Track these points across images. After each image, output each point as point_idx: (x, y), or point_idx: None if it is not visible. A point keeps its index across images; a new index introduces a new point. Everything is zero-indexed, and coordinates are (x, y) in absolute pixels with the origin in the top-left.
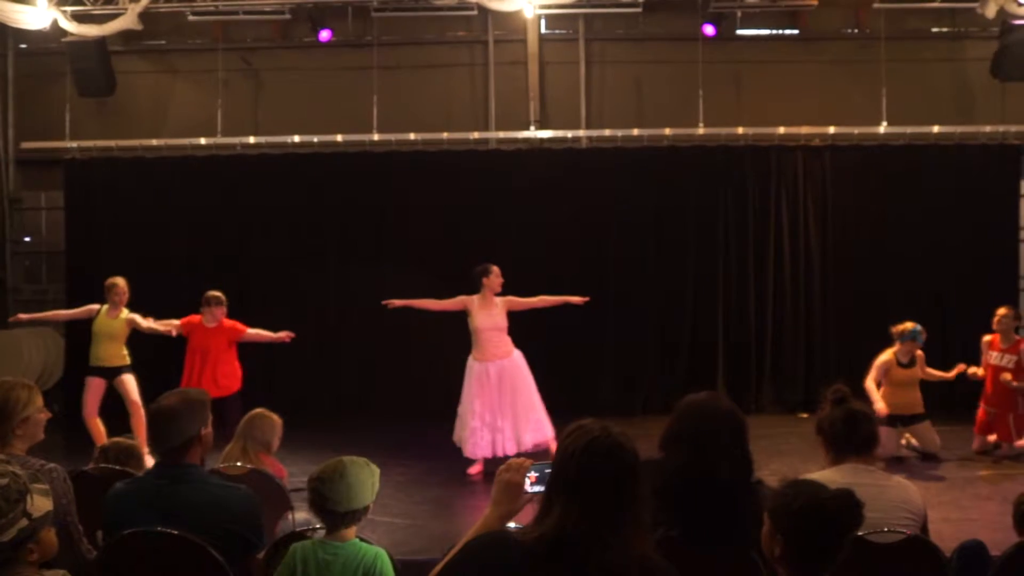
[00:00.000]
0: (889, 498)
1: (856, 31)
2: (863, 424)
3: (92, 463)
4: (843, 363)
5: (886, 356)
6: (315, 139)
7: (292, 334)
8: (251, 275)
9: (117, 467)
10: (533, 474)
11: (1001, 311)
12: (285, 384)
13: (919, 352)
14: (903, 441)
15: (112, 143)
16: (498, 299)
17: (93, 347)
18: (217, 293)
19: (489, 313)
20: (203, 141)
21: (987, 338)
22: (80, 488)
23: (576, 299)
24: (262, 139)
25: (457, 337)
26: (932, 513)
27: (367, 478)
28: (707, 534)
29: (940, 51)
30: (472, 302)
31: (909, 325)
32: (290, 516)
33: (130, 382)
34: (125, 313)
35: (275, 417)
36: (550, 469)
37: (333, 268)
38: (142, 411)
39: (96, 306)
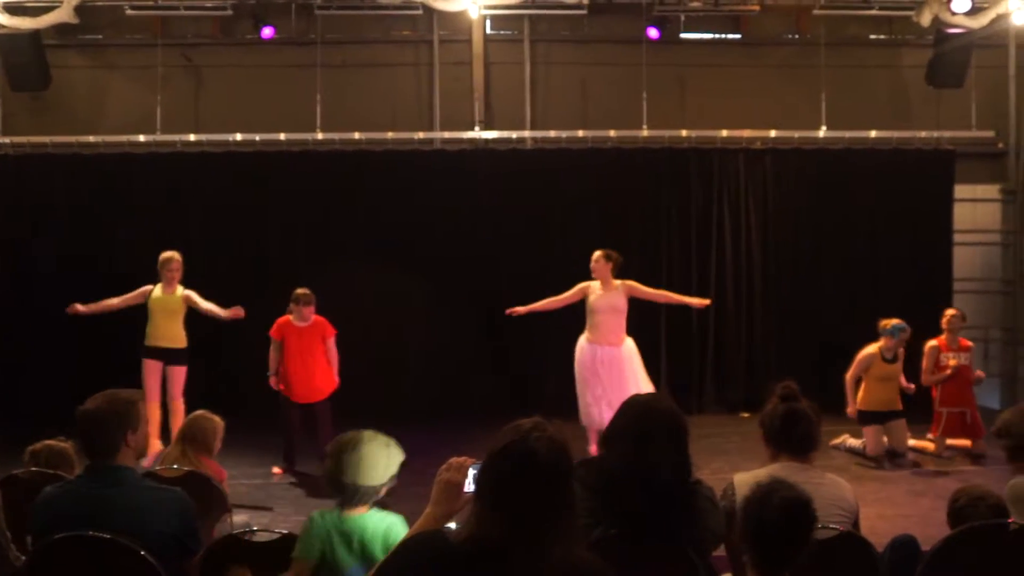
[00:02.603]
0: (822, 496)
1: (797, 37)
2: (801, 424)
3: (23, 467)
4: (784, 363)
5: (870, 350)
6: (257, 138)
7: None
8: (190, 275)
9: (48, 471)
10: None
11: (952, 312)
12: (231, 380)
13: (901, 351)
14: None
15: (47, 139)
16: (619, 282)
17: (149, 326)
18: (305, 290)
19: (607, 294)
20: (142, 138)
21: (933, 343)
22: (10, 492)
23: (696, 302)
24: (203, 137)
25: (396, 332)
26: (866, 509)
27: (382, 457)
28: (645, 533)
29: (878, 57)
30: (590, 287)
31: (893, 321)
32: (228, 519)
33: (179, 377)
34: (181, 290)
35: (216, 419)
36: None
37: (275, 268)
38: (182, 409)
39: (148, 287)
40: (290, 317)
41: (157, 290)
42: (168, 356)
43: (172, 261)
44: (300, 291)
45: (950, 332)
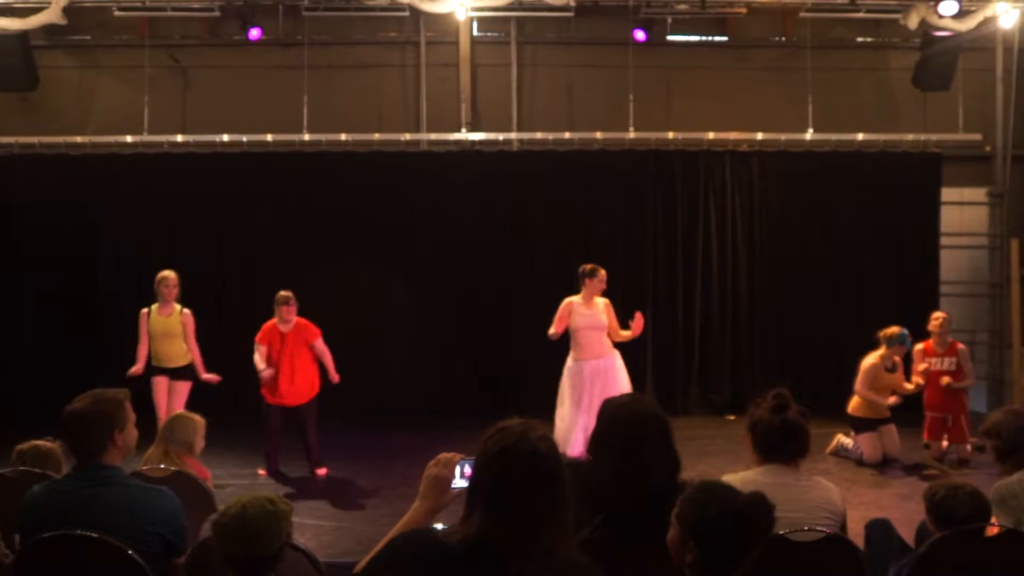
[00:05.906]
0: (810, 499)
1: (783, 39)
2: (798, 437)
3: (10, 466)
4: (770, 366)
5: (873, 361)
6: (244, 138)
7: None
8: (178, 276)
9: (36, 470)
10: (468, 468)
11: (937, 315)
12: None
13: (897, 359)
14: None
15: (34, 140)
16: (600, 300)
17: (152, 346)
18: (286, 292)
19: (588, 312)
20: (129, 139)
21: (919, 346)
22: None
23: (631, 334)
24: (190, 138)
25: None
26: (853, 512)
27: (269, 524)
28: (638, 534)
29: (864, 60)
30: (572, 304)
31: (896, 329)
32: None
33: (183, 392)
34: (178, 309)
35: (197, 418)
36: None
37: (261, 269)
38: None
39: (144, 311)
40: (275, 321)
41: (154, 311)
42: (173, 373)
43: (166, 280)
44: (281, 293)
45: (938, 335)
